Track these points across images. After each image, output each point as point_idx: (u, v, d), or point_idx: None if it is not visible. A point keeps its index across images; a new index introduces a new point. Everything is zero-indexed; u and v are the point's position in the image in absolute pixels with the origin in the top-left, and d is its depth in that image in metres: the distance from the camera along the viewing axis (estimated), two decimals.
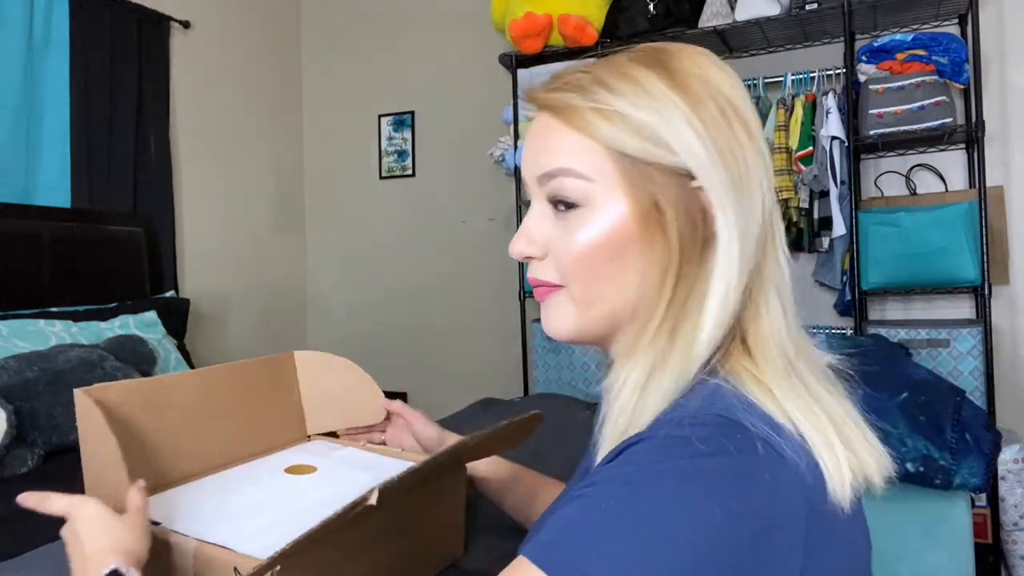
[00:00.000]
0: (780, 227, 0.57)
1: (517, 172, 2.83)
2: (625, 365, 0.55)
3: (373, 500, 0.62)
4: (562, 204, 0.56)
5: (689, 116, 0.53)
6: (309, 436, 1.08)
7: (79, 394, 0.76)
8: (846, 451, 0.50)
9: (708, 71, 0.55)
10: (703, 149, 0.53)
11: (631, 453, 0.49)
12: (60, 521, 0.66)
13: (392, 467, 0.95)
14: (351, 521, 0.64)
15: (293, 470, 0.92)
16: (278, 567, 0.59)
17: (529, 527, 0.75)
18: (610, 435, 0.54)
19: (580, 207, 0.55)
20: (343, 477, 0.90)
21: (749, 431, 0.48)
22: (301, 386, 1.06)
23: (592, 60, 0.59)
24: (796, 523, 0.47)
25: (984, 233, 2.22)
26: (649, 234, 0.54)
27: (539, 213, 0.58)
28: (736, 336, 0.55)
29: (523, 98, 0.60)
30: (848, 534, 0.51)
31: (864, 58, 2.41)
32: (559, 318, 0.59)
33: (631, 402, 0.53)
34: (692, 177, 0.54)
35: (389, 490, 0.63)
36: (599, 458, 0.54)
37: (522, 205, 2.86)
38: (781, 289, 0.56)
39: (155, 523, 0.74)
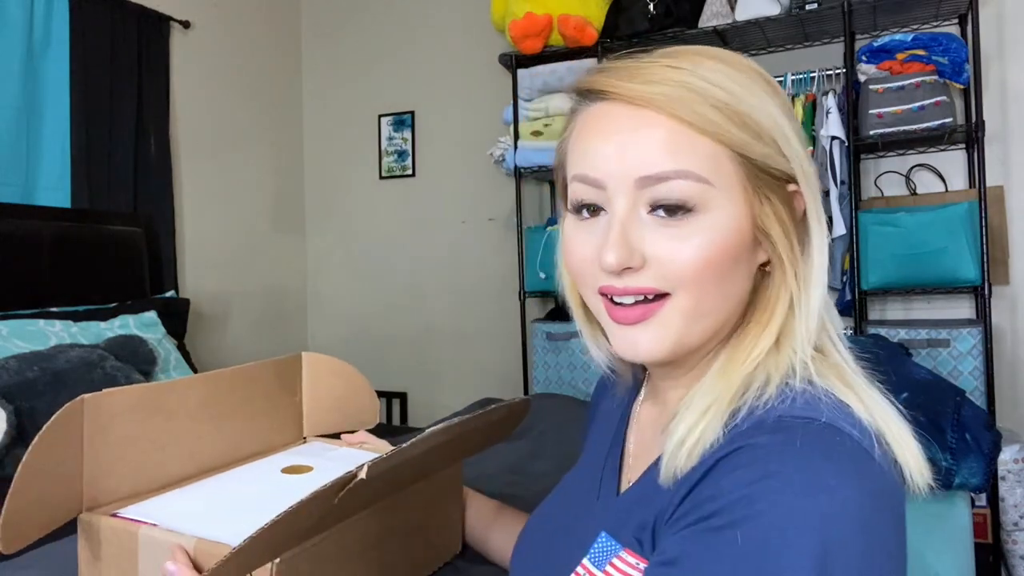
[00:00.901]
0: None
1: (517, 172, 2.83)
2: (724, 374, 0.54)
3: (363, 475, 0.60)
4: (672, 209, 0.52)
5: (790, 121, 0.54)
6: (305, 438, 1.08)
7: (88, 399, 0.75)
8: (917, 449, 0.51)
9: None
10: (806, 157, 0.54)
11: (745, 462, 0.47)
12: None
13: None
14: (348, 513, 0.64)
15: (290, 470, 0.92)
16: (278, 560, 0.59)
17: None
18: (690, 450, 0.51)
19: (695, 212, 0.52)
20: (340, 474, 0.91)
21: (852, 435, 0.48)
22: (304, 388, 1.06)
23: (662, 51, 0.56)
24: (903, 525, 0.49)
25: (984, 233, 2.22)
26: (758, 241, 0.54)
27: (635, 218, 0.53)
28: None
29: (599, 88, 0.54)
30: None
31: (864, 58, 2.41)
32: (661, 335, 0.54)
33: (720, 412, 0.51)
34: (792, 181, 0.54)
35: (379, 465, 0.61)
36: (676, 465, 0.51)
37: (522, 205, 2.86)
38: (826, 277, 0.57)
39: (152, 524, 0.74)
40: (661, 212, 0.52)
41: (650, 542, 0.53)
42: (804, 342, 0.53)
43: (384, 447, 1.03)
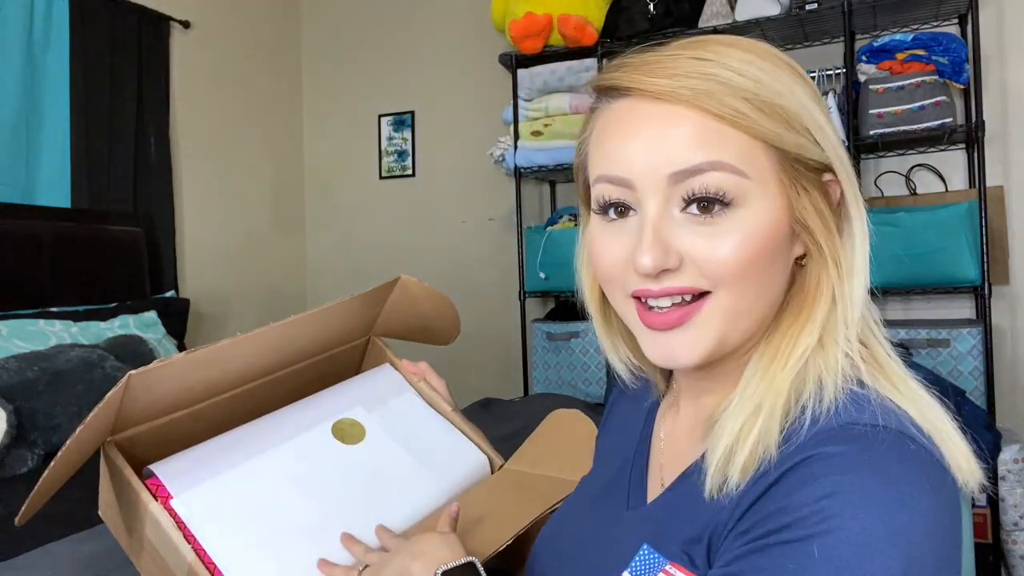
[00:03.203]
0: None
1: (517, 172, 2.83)
2: (768, 377, 0.51)
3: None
4: (708, 203, 0.50)
5: (820, 108, 0.52)
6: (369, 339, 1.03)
7: (128, 379, 0.68)
8: (968, 449, 0.49)
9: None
10: (839, 143, 0.52)
11: (811, 476, 0.45)
12: (59, 522, 0.67)
13: (444, 442, 0.93)
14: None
15: (340, 429, 0.87)
16: None
17: None
18: (743, 464, 0.48)
19: (732, 206, 0.50)
20: (387, 458, 0.87)
21: (922, 443, 0.46)
22: (388, 302, 0.99)
23: (681, 43, 0.53)
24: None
25: (984, 233, 2.22)
26: (795, 234, 0.52)
27: (667, 217, 0.51)
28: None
29: (623, 85, 0.52)
30: None
31: (864, 58, 2.41)
32: (699, 338, 0.52)
33: (773, 419, 0.49)
34: (828, 170, 0.52)
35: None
36: (727, 476, 0.49)
37: (522, 205, 2.86)
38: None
39: (167, 493, 0.71)
40: (695, 209, 0.50)
41: (704, 557, 0.50)
42: (850, 337, 0.51)
43: (441, 387, 1.01)
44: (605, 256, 0.54)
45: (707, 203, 0.50)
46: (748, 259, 0.50)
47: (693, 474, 0.54)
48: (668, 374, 0.68)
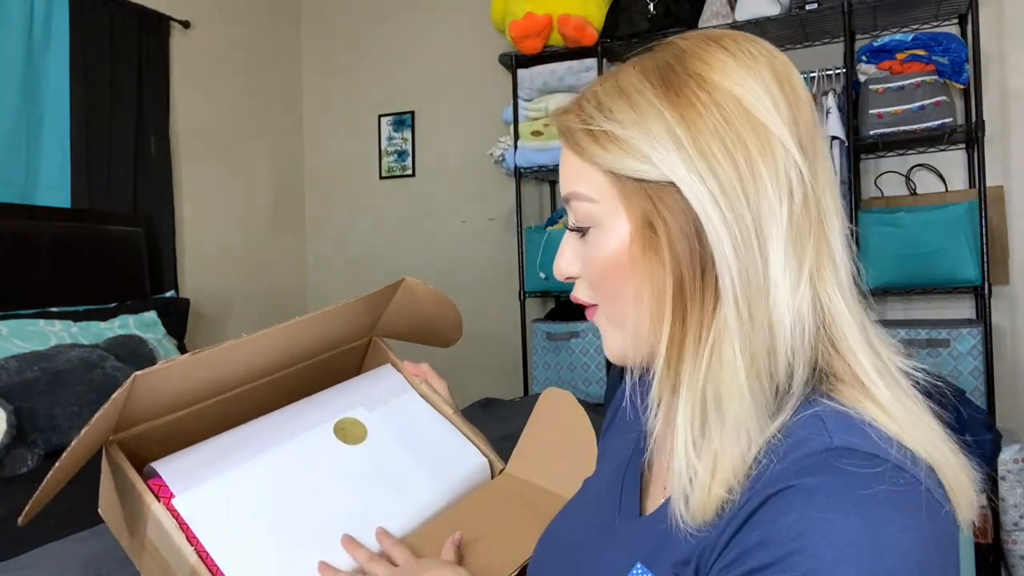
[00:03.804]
0: (833, 223, 0.51)
1: (517, 172, 2.83)
2: (681, 397, 0.50)
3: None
4: (579, 227, 0.57)
5: (674, 125, 0.50)
6: (371, 341, 1.04)
7: (139, 376, 0.68)
8: (967, 478, 0.48)
9: (721, 71, 0.51)
10: (684, 159, 0.49)
11: (792, 506, 0.44)
12: (58, 522, 0.66)
13: (445, 443, 0.94)
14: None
15: (342, 429, 0.87)
16: None
17: None
18: (699, 505, 0.48)
19: (592, 228, 0.55)
20: (388, 458, 0.87)
21: (906, 469, 0.44)
22: (391, 303, 0.99)
23: (611, 69, 0.59)
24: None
25: (984, 233, 2.22)
26: (650, 252, 0.52)
27: (571, 234, 0.59)
28: (820, 351, 0.50)
29: (557, 125, 0.60)
30: None
31: (864, 58, 2.41)
32: (607, 339, 0.59)
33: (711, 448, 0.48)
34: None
35: None
36: (686, 511, 0.49)
37: (522, 205, 2.86)
38: (846, 285, 0.51)
39: (169, 492, 0.71)
40: (580, 228, 0.57)
41: None
42: (791, 352, 0.48)
43: (442, 388, 1.02)
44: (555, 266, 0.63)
45: (579, 227, 0.57)
46: (602, 275, 0.55)
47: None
48: None
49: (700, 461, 0.48)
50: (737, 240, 0.48)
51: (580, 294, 0.60)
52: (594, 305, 0.59)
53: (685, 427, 0.49)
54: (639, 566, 0.54)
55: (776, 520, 0.44)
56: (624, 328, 0.56)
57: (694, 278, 0.50)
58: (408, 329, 1.05)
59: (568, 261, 0.59)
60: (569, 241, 0.59)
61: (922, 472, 0.45)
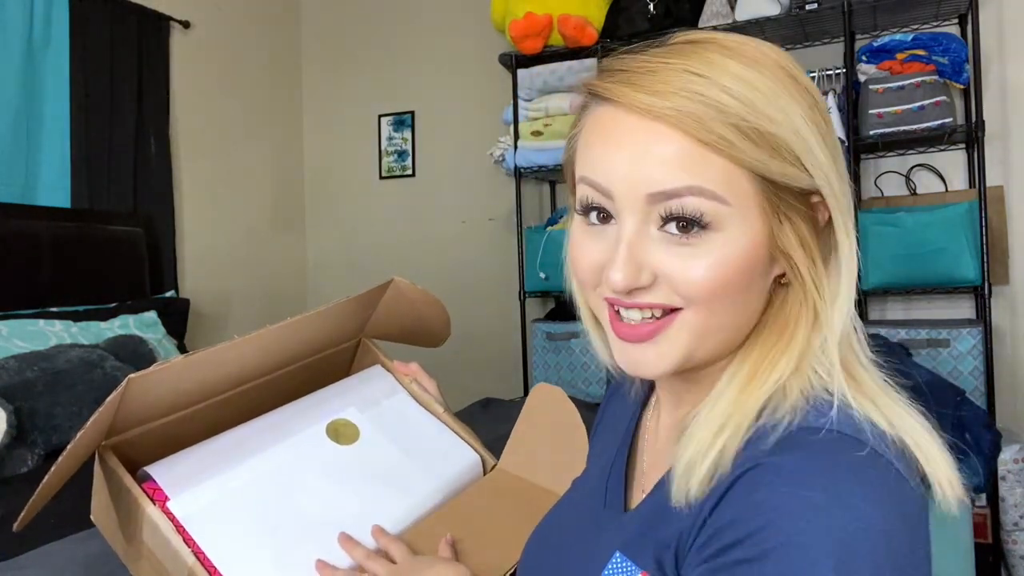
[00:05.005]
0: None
1: (517, 172, 2.83)
2: (739, 397, 0.51)
3: None
4: (687, 223, 0.49)
5: (813, 129, 0.49)
6: (360, 342, 1.04)
7: (133, 380, 0.69)
8: (947, 463, 0.49)
9: (793, 63, 0.51)
10: (832, 164, 0.50)
11: (764, 483, 0.45)
12: (58, 522, 0.66)
13: (437, 441, 0.94)
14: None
15: (334, 430, 0.87)
16: None
17: None
18: (702, 477, 0.49)
19: (709, 229, 0.49)
20: (381, 457, 0.88)
21: (875, 448, 0.46)
22: (381, 304, 1.00)
23: (664, 47, 0.52)
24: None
25: (984, 233, 2.22)
26: (777, 258, 0.52)
27: (644, 235, 0.51)
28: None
29: (608, 96, 0.51)
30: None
31: (864, 58, 2.41)
32: (665, 352, 0.52)
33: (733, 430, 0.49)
34: (816, 194, 0.51)
35: None
36: (687, 481, 0.49)
37: (522, 205, 2.86)
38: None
39: (164, 495, 0.71)
40: (673, 228, 0.50)
41: (672, 565, 0.50)
42: (827, 360, 0.51)
43: (432, 387, 1.02)
44: (582, 260, 0.54)
45: (685, 223, 0.49)
46: (722, 282, 0.49)
47: (668, 480, 0.54)
48: None
49: (718, 444, 0.49)
50: (850, 245, 0.52)
51: (656, 297, 0.51)
52: (675, 309, 0.51)
53: (726, 413, 0.50)
54: (618, 555, 0.54)
55: (745, 497, 0.45)
56: (710, 335, 0.52)
57: (818, 277, 0.52)
58: (398, 329, 1.05)
59: (638, 268, 0.50)
60: (643, 243, 0.50)
61: (890, 448, 0.46)
